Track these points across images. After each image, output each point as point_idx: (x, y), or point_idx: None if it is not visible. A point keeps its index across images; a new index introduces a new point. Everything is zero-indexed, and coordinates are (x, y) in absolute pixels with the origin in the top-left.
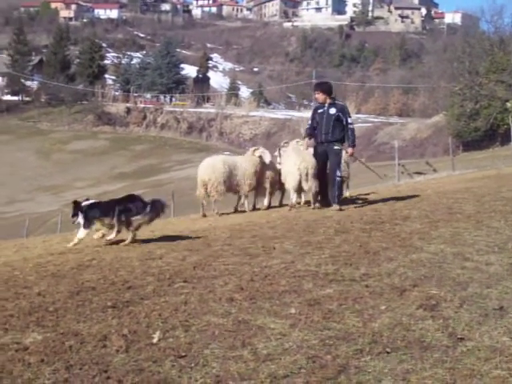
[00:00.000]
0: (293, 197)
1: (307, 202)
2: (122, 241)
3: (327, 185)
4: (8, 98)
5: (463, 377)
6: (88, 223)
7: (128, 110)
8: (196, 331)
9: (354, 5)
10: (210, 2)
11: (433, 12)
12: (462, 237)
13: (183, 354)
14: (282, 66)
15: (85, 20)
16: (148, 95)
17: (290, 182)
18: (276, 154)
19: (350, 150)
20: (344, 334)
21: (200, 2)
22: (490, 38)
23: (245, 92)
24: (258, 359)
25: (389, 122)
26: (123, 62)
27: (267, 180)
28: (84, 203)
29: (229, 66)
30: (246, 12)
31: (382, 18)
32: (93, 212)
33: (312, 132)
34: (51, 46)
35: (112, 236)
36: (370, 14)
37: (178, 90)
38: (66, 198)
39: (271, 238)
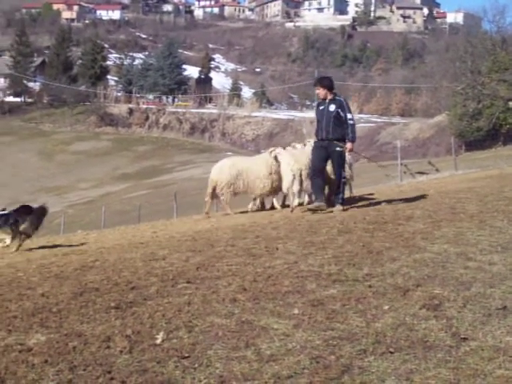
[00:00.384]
0: (293, 199)
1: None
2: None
3: (325, 184)
4: (10, 99)
5: (467, 376)
6: None
7: (130, 111)
8: (199, 332)
9: (356, 5)
10: (212, 2)
11: (435, 12)
12: (465, 236)
13: (187, 354)
14: (284, 66)
15: (87, 21)
16: (150, 96)
17: (284, 184)
18: None
19: (348, 145)
20: (347, 335)
21: (202, 3)
22: (493, 37)
23: (247, 92)
24: (261, 360)
25: (391, 122)
26: (125, 62)
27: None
28: None
29: (231, 66)
30: (247, 12)
31: (384, 17)
32: None
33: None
34: (53, 48)
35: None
36: (371, 14)
37: (180, 90)
38: (69, 199)
39: (274, 238)
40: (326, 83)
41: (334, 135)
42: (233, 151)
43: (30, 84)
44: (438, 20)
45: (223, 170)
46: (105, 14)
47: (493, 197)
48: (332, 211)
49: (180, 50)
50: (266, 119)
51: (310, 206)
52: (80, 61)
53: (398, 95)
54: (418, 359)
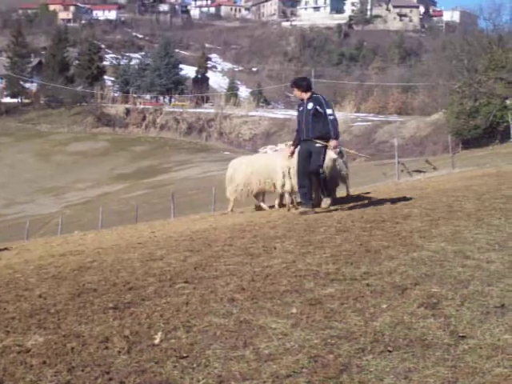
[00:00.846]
0: (288, 197)
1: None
2: None
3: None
4: (7, 100)
5: (465, 375)
6: None
7: (127, 111)
8: (198, 332)
9: (353, 3)
10: (209, 2)
11: (431, 10)
12: (462, 235)
13: (185, 354)
14: (280, 65)
15: (83, 21)
16: (147, 96)
17: (277, 183)
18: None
19: (332, 143)
20: (346, 333)
21: (198, 3)
22: (489, 35)
23: (244, 92)
24: (259, 359)
25: (388, 121)
26: (122, 63)
27: None
28: None
29: (228, 66)
30: (244, 12)
31: (380, 16)
32: None
33: (297, 137)
34: (50, 48)
35: None
36: (368, 13)
37: (177, 90)
38: (66, 200)
39: (272, 237)
40: (300, 83)
41: (313, 133)
42: (230, 151)
43: (27, 85)
44: (435, 18)
45: (237, 168)
46: (101, 15)
47: (490, 195)
48: (328, 210)
49: (177, 50)
50: (262, 118)
51: (299, 211)
52: (77, 61)
53: (394, 94)
54: (416, 358)
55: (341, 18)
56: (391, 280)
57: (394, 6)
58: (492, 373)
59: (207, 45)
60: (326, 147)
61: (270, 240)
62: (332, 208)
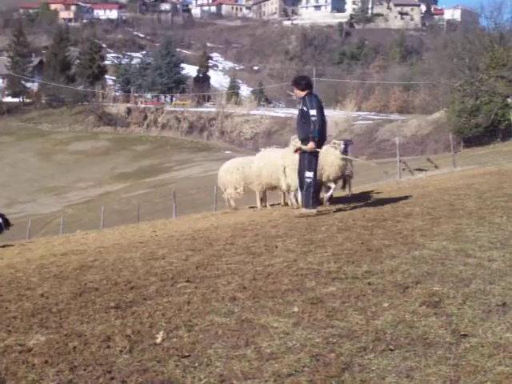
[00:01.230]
0: (291, 196)
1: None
2: None
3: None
4: (9, 99)
5: (467, 373)
6: None
7: (129, 111)
8: (199, 331)
9: (354, 2)
10: (210, 1)
11: (432, 8)
12: (464, 233)
13: (187, 353)
14: (281, 64)
15: (84, 21)
16: (148, 95)
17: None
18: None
19: (309, 144)
20: (347, 332)
21: (199, 2)
22: (490, 33)
23: (245, 91)
24: (261, 358)
25: (389, 119)
26: (123, 62)
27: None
28: None
29: (229, 64)
30: (245, 11)
31: (381, 15)
32: None
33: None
34: (51, 48)
35: None
36: (369, 12)
37: (178, 89)
38: (68, 199)
39: (273, 236)
40: (299, 81)
41: (301, 135)
42: (231, 150)
43: (28, 84)
44: (436, 17)
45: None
46: (102, 14)
47: (492, 193)
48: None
49: (178, 49)
50: (264, 117)
51: (298, 213)
52: (78, 60)
53: (396, 92)
54: (418, 356)
55: (342, 17)
56: (393, 279)
57: (395, 5)
58: (494, 371)
59: (208, 44)
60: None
61: (271, 239)
62: (333, 207)
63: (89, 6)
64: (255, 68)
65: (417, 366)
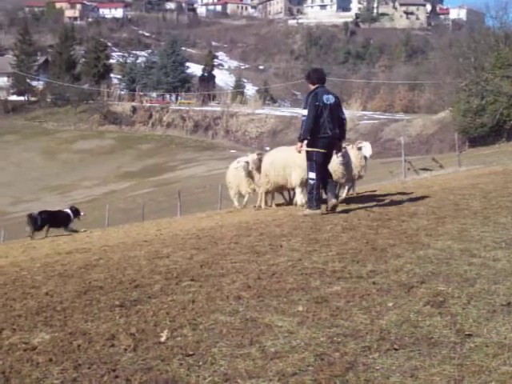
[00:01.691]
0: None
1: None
2: None
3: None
4: (14, 98)
5: (471, 373)
6: None
7: (134, 109)
8: (204, 329)
9: (359, 1)
10: (215, 0)
11: (438, 8)
12: (468, 233)
13: (191, 352)
14: (287, 63)
15: (90, 19)
16: (154, 94)
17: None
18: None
19: (297, 145)
20: (352, 331)
21: (205, 1)
22: (496, 33)
23: (250, 90)
24: (265, 357)
25: (394, 119)
26: (128, 61)
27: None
28: None
29: (234, 64)
30: (250, 10)
31: (387, 14)
32: None
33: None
34: (56, 46)
35: None
36: (374, 11)
37: (183, 88)
38: (72, 198)
39: (278, 235)
40: (308, 74)
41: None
42: (236, 149)
43: (34, 83)
44: (441, 16)
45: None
46: (108, 13)
47: (497, 193)
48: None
49: (183, 48)
50: (269, 116)
51: (302, 213)
52: (83, 59)
53: (401, 92)
54: (422, 356)
55: (347, 16)
56: (397, 278)
57: (401, 4)
58: (498, 371)
59: (214, 43)
60: (312, 151)
61: (276, 238)
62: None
63: (94, 4)
64: (260, 67)
65: (421, 366)
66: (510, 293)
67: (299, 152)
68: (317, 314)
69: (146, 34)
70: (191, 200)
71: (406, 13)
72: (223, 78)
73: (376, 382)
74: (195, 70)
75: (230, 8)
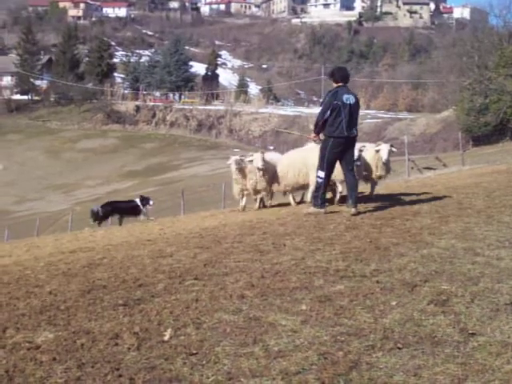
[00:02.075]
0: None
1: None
2: None
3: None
4: (17, 97)
5: (475, 372)
6: None
7: (137, 108)
8: (207, 328)
9: (363, 0)
10: None
11: (441, 7)
12: (472, 232)
13: (195, 351)
14: (290, 62)
15: (93, 19)
16: (157, 93)
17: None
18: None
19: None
20: (355, 330)
21: (208, 0)
22: (499, 32)
23: (254, 89)
24: (269, 356)
25: (398, 118)
26: (132, 60)
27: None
28: None
29: (237, 63)
30: (254, 9)
31: (390, 13)
32: None
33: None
34: (60, 45)
35: None
36: (378, 10)
37: (187, 87)
38: (76, 197)
39: (281, 234)
40: (332, 73)
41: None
42: (240, 148)
43: (37, 82)
44: (445, 15)
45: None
46: (111, 12)
47: (500, 192)
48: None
49: (186, 47)
50: (272, 115)
51: (306, 211)
52: (87, 58)
53: (404, 90)
54: (426, 355)
55: (351, 15)
56: (401, 277)
57: (404, 3)
58: (502, 370)
59: (217, 42)
60: (321, 147)
61: (279, 237)
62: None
63: (98, 3)
64: (264, 66)
65: (425, 365)
66: None
67: (314, 141)
68: (320, 313)
69: (150, 33)
70: (194, 199)
71: (410, 12)
72: (227, 77)
73: (379, 380)
74: (199, 69)
75: (234, 7)
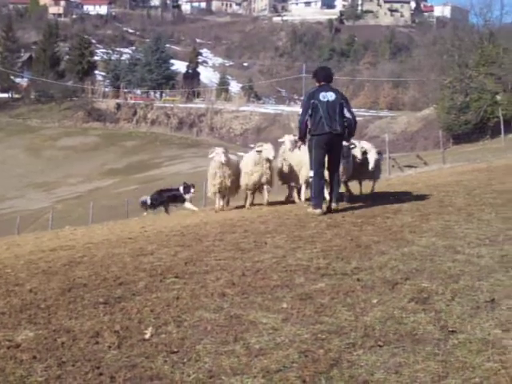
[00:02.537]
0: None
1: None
2: None
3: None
4: None
5: (455, 369)
6: None
7: (118, 106)
8: (188, 326)
9: None
10: None
11: (422, 5)
12: (452, 230)
13: (175, 349)
14: (271, 60)
15: (74, 16)
16: (138, 91)
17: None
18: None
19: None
20: (336, 328)
21: None
22: (480, 31)
23: (235, 87)
24: (250, 354)
25: (379, 116)
26: (113, 58)
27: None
28: None
29: (218, 61)
30: (235, 7)
31: (371, 11)
32: None
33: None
34: (40, 43)
35: None
36: (359, 8)
37: (167, 85)
38: (57, 195)
39: (263, 232)
40: (314, 73)
41: None
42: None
43: (17, 80)
44: (426, 13)
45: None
46: (92, 9)
47: (480, 190)
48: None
49: (167, 45)
50: (253, 113)
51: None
52: (67, 56)
53: (385, 89)
54: (406, 352)
55: (332, 13)
56: (382, 275)
57: (385, 1)
58: (482, 367)
59: (198, 40)
60: (307, 147)
61: (260, 235)
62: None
63: (78, 1)
64: (245, 64)
65: (405, 362)
66: (493, 289)
67: (299, 148)
68: (301, 311)
69: (131, 31)
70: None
71: (391, 10)
72: (208, 75)
73: (360, 378)
74: (179, 67)
75: (215, 5)
